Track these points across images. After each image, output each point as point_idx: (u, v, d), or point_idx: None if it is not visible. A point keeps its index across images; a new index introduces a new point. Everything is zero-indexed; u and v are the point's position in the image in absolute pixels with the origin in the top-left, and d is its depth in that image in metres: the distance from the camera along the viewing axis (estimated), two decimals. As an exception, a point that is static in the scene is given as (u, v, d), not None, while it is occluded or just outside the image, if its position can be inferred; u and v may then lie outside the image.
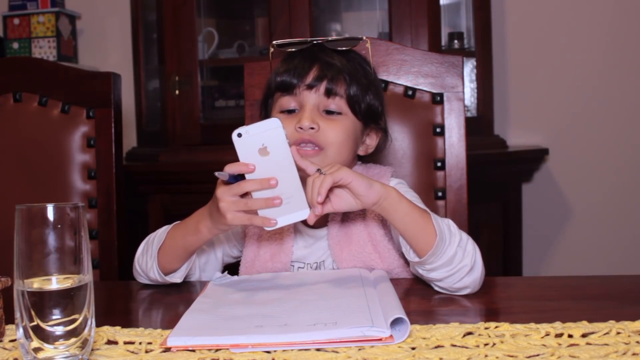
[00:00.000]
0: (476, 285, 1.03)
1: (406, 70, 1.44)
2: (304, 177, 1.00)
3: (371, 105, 1.17)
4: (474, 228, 1.36)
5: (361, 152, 1.22)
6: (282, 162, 0.97)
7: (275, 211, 0.98)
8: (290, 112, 1.15)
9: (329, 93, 1.13)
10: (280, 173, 0.97)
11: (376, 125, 1.21)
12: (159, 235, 1.14)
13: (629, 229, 2.84)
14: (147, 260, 1.12)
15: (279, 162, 0.97)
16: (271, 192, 0.97)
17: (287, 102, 1.15)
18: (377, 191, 0.99)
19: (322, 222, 1.21)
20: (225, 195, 0.99)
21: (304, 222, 1.23)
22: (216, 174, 0.97)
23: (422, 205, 1.18)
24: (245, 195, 0.99)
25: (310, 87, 1.13)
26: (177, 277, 1.13)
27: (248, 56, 2.71)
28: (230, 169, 0.98)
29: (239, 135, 0.96)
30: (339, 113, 1.14)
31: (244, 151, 0.97)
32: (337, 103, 1.14)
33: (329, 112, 1.14)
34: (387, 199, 1.00)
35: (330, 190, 0.99)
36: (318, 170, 0.99)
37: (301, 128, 1.11)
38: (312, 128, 1.11)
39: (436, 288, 1.05)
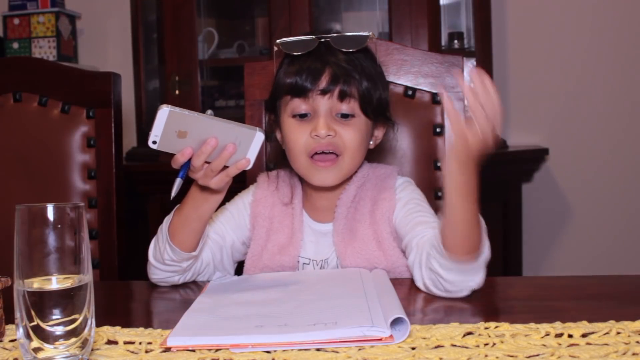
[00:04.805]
0: (466, 293, 1.02)
1: (406, 70, 1.44)
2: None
3: (381, 100, 1.18)
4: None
5: (371, 146, 1.22)
6: (201, 125, 0.96)
7: (238, 155, 0.99)
8: (302, 116, 1.14)
9: (342, 97, 1.12)
10: (210, 132, 0.97)
11: (385, 118, 1.21)
12: (164, 223, 1.12)
13: (629, 229, 2.84)
14: (160, 247, 1.10)
15: (200, 128, 0.96)
16: (220, 148, 0.98)
17: (298, 105, 1.14)
18: (470, 163, 0.95)
19: (329, 217, 1.21)
20: (196, 177, 1.01)
21: (311, 217, 1.23)
22: (173, 192, 0.99)
23: (426, 205, 1.18)
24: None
25: (324, 92, 1.12)
26: (194, 253, 1.11)
27: (248, 56, 2.70)
28: (175, 164, 0.99)
29: (154, 142, 0.96)
30: (352, 115, 1.14)
31: (169, 147, 0.98)
32: (350, 106, 1.14)
33: (342, 115, 1.14)
34: (471, 177, 0.95)
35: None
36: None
37: (317, 136, 1.11)
38: (329, 135, 1.11)
39: (426, 282, 1.04)
